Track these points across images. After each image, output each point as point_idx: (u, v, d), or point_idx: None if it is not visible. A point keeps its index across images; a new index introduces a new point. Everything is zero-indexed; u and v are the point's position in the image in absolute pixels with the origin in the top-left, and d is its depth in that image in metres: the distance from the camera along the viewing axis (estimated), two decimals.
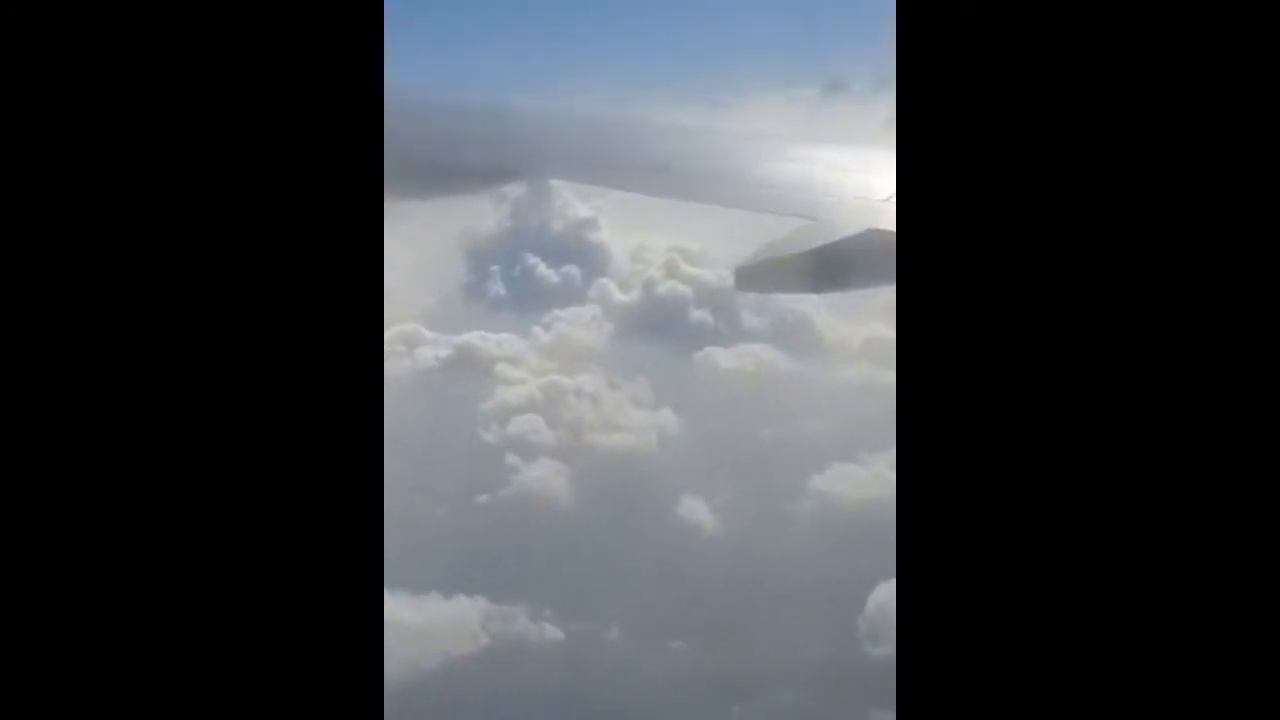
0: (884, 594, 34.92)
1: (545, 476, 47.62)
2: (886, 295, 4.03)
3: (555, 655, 37.19)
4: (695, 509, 45.09)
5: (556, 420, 51.27)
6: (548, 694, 34.96)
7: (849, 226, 5.15)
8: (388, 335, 56.04)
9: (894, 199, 5.01)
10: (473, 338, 58.04)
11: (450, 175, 6.60)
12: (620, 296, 63.18)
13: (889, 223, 4.88)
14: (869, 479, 43.81)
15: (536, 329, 59.57)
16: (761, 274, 5.24)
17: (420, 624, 36.70)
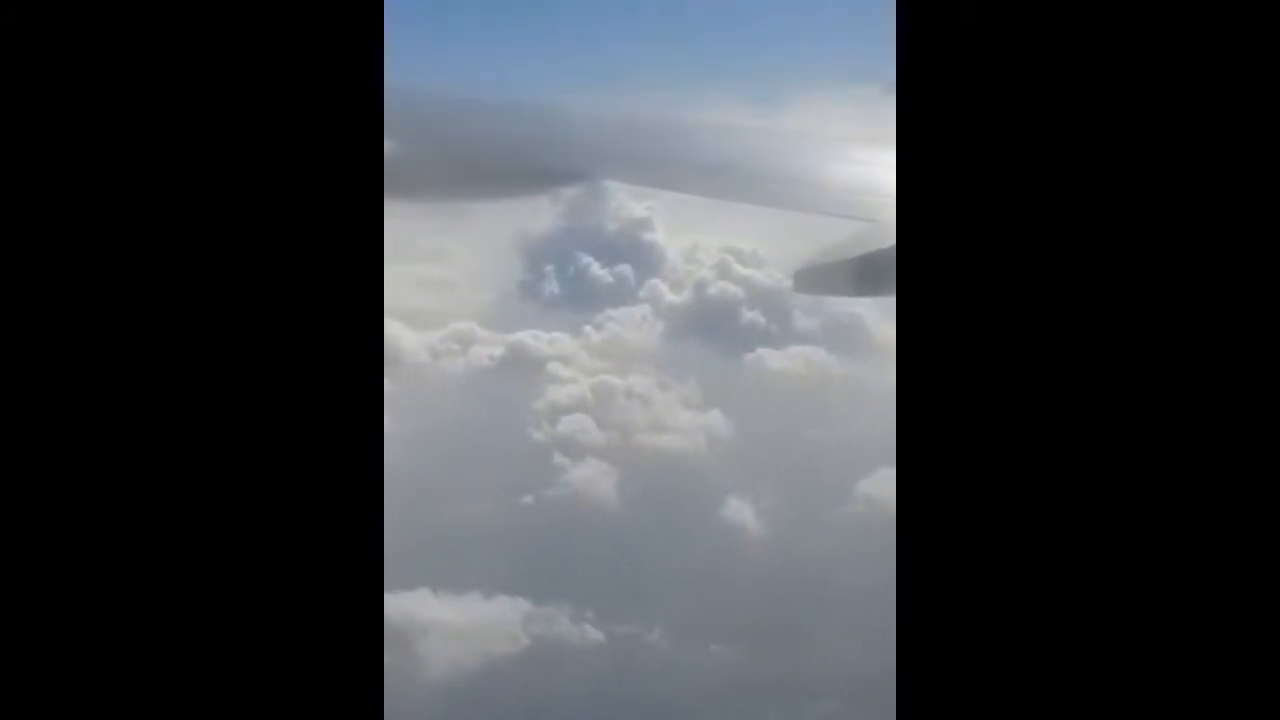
0: None
1: (592, 477, 47.65)
2: None
3: (596, 657, 37.18)
4: (741, 511, 44.96)
5: (606, 420, 51.32)
6: (586, 695, 34.97)
7: None
8: (442, 334, 56.51)
9: None
10: (525, 336, 58.27)
11: (512, 176, 6.62)
12: (672, 297, 63.21)
13: None
14: None
15: (588, 328, 59.70)
16: (821, 277, 5.20)
17: (461, 624, 36.85)
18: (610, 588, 39.26)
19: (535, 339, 58.33)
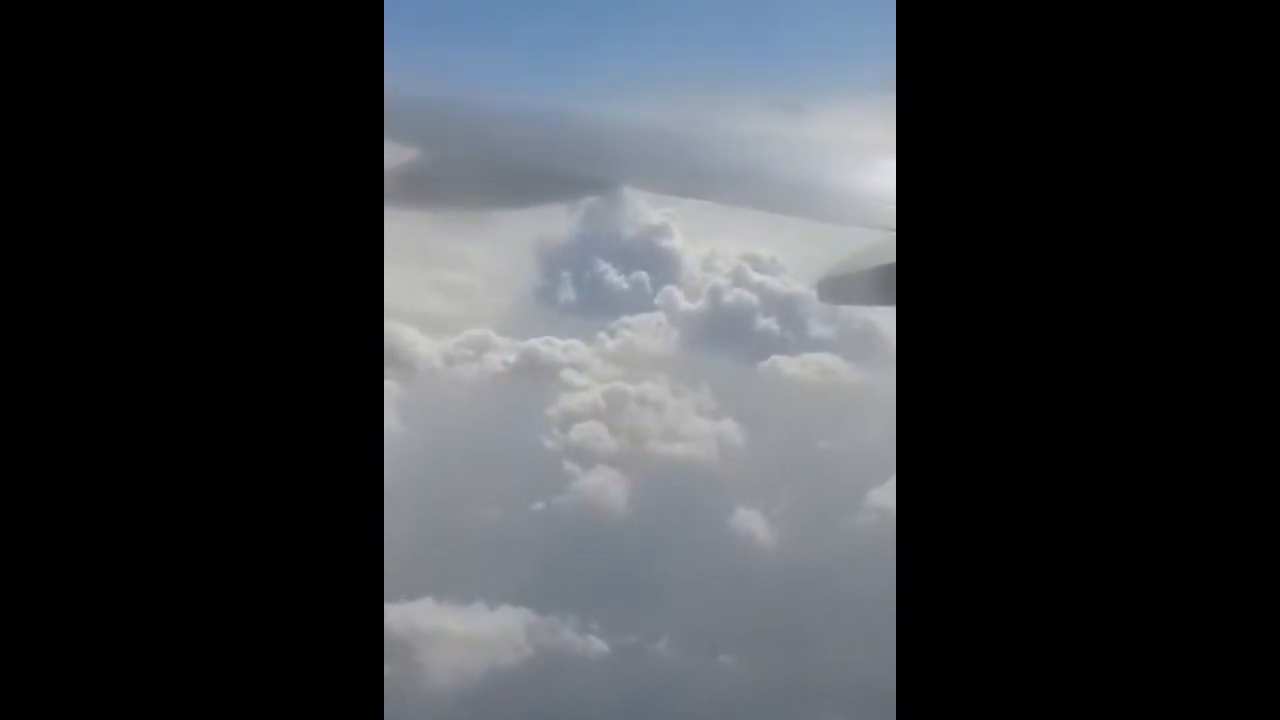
0: None
1: (602, 484, 47.62)
2: None
3: (599, 668, 37.11)
4: (751, 520, 44.87)
5: (618, 427, 51.30)
6: (589, 706, 34.91)
7: None
8: (457, 340, 56.57)
9: None
10: (539, 343, 58.33)
11: (534, 183, 6.63)
12: (686, 304, 63.21)
13: None
14: None
15: (603, 335, 59.74)
16: (843, 286, 5.20)
17: (465, 633, 36.85)
18: (618, 596, 39.19)
19: (549, 345, 58.38)
